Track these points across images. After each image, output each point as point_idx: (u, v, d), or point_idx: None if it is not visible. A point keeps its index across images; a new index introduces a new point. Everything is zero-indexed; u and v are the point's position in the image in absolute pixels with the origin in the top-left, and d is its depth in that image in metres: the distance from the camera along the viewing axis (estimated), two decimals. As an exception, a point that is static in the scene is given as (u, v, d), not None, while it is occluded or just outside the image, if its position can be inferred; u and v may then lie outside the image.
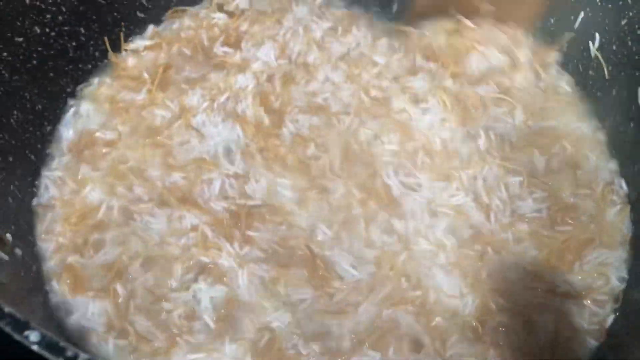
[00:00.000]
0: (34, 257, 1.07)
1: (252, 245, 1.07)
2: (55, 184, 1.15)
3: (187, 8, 1.39)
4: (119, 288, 1.03)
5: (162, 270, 1.05)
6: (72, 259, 1.07)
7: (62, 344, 0.67)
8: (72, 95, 1.27)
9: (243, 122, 1.22)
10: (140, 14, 1.36)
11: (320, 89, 1.27)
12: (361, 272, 1.05)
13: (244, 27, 1.35)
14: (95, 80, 1.30)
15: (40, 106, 1.20)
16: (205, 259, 1.05)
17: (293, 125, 1.22)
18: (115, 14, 1.32)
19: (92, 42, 1.29)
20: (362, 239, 1.09)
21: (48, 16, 1.18)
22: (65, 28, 1.22)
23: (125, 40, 1.33)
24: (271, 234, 1.08)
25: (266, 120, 1.23)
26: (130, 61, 1.32)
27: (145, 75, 1.29)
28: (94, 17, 1.28)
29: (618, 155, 1.21)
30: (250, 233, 1.08)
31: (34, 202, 1.14)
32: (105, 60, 1.32)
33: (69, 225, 1.10)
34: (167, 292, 1.03)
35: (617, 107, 1.21)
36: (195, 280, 1.04)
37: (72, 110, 1.25)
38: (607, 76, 1.23)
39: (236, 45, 1.33)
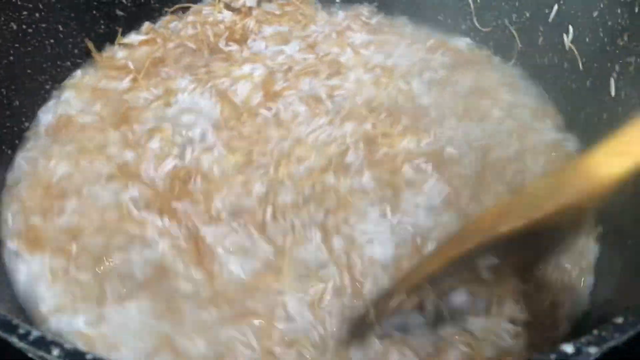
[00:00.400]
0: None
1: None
2: (28, 163, 1.20)
3: (190, 5, 1.43)
4: (73, 248, 1.08)
5: (106, 238, 1.09)
6: (35, 219, 1.12)
7: (15, 321, 0.68)
8: (51, 90, 1.29)
9: (226, 100, 1.24)
10: (119, 12, 1.37)
11: (341, 85, 1.28)
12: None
13: (252, 25, 1.39)
14: (78, 73, 1.33)
15: (17, 102, 1.21)
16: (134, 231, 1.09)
17: (281, 106, 1.24)
18: (94, 12, 1.33)
19: (70, 40, 1.31)
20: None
21: (25, 13, 1.20)
22: (43, 25, 1.24)
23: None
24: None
25: (254, 100, 1.24)
26: (120, 54, 1.35)
27: (131, 65, 1.31)
28: (72, 15, 1.29)
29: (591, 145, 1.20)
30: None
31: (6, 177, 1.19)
32: (85, 58, 1.33)
33: (34, 192, 1.15)
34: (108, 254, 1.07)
35: (591, 99, 1.21)
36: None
37: (53, 98, 1.29)
38: (581, 68, 1.23)
39: (242, 41, 1.36)
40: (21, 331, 0.67)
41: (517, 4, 1.32)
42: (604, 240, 1.12)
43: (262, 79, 1.28)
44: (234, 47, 1.35)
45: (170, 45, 1.35)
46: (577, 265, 1.09)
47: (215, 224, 1.10)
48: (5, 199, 1.16)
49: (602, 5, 1.16)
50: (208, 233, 1.09)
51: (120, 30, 1.37)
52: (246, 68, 1.30)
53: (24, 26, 1.20)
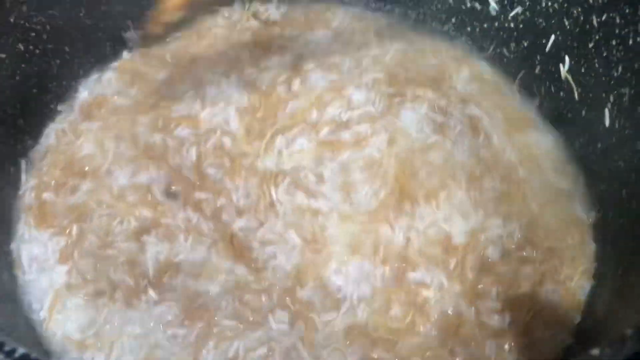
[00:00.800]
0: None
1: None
2: (56, 135, 1.25)
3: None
4: (75, 229, 1.11)
5: (115, 220, 1.12)
6: (47, 195, 1.16)
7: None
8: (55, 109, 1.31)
9: (257, 93, 1.28)
10: (125, 34, 1.39)
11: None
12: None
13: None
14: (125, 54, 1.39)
15: (22, 121, 1.23)
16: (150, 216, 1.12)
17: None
18: (100, 33, 1.36)
19: (76, 60, 1.33)
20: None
21: (32, 34, 1.23)
22: (50, 46, 1.27)
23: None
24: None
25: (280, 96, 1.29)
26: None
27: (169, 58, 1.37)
28: (80, 36, 1.32)
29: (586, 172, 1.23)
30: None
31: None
32: (94, 76, 1.36)
33: (55, 169, 1.20)
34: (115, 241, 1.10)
35: (587, 128, 1.23)
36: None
37: (94, 77, 1.34)
38: (576, 97, 1.25)
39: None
40: (7, 348, 0.69)
41: (515, 33, 1.34)
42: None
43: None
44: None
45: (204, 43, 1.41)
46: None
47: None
48: (28, 171, 1.21)
49: (597, 37, 1.18)
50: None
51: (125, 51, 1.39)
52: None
53: (31, 47, 1.23)
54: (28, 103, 1.24)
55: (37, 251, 1.11)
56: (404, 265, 1.09)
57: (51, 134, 1.26)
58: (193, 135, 1.23)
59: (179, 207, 1.14)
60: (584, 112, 1.24)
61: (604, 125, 1.17)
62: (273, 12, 1.47)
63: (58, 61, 1.30)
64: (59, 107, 1.30)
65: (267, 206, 1.15)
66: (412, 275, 1.08)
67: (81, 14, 1.31)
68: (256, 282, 1.07)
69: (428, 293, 1.07)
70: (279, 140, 1.22)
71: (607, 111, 1.17)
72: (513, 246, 1.12)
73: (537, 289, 1.08)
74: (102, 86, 1.32)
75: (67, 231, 1.12)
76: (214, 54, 1.38)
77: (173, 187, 1.16)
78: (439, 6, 1.44)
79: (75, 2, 1.29)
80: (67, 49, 1.31)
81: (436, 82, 1.33)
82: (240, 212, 1.14)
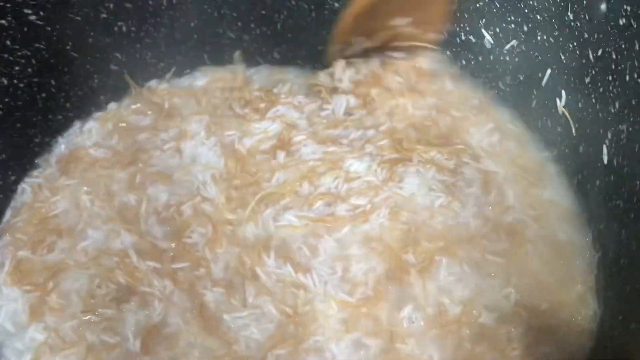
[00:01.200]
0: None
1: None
2: (33, 190, 1.23)
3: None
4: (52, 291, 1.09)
5: (91, 283, 1.09)
6: (23, 253, 1.14)
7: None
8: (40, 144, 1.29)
9: (232, 155, 1.24)
10: (114, 67, 1.37)
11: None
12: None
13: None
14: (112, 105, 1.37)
15: (4, 156, 1.21)
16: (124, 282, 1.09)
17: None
18: (88, 66, 1.33)
19: (62, 94, 1.31)
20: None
21: (17, 68, 1.21)
22: (35, 80, 1.25)
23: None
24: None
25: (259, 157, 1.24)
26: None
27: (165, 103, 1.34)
28: (66, 70, 1.30)
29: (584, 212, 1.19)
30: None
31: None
32: (77, 111, 1.33)
33: (31, 226, 1.17)
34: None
35: (585, 164, 1.19)
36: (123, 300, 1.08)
37: (77, 126, 1.33)
38: (574, 133, 1.21)
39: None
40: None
41: (510, 67, 1.31)
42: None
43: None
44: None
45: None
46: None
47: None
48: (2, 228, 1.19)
49: (594, 72, 1.15)
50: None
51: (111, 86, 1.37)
52: (265, 124, 1.31)
53: (15, 81, 1.21)
54: (11, 137, 1.22)
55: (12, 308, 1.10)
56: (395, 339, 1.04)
57: (27, 189, 1.24)
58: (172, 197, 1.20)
59: (155, 275, 1.10)
60: (581, 149, 1.20)
61: (603, 162, 1.14)
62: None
63: (44, 95, 1.27)
64: (37, 160, 1.28)
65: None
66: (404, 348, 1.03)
67: (68, 47, 1.28)
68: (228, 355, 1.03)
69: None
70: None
71: (605, 148, 1.13)
72: (509, 309, 1.07)
73: (532, 350, 1.03)
74: (82, 137, 1.31)
75: (43, 289, 1.10)
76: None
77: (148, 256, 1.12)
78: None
79: (61, 35, 1.26)
80: (53, 82, 1.28)
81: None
82: (215, 283, 1.09)
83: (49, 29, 1.23)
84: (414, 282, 1.08)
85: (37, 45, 1.23)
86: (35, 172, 1.26)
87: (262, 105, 1.33)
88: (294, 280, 1.07)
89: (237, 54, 1.43)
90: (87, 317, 1.06)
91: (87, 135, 1.31)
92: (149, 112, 1.34)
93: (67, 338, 1.05)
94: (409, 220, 1.15)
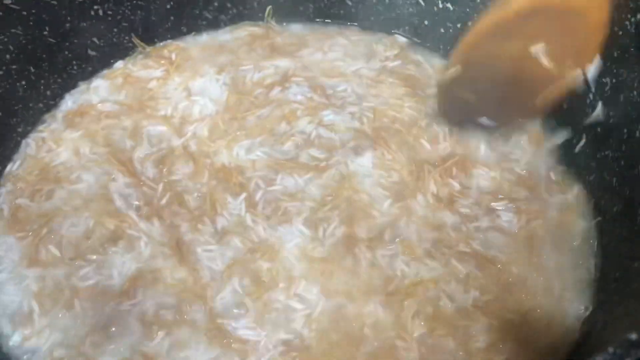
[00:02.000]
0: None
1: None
2: (36, 144, 1.25)
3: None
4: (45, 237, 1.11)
5: (85, 227, 1.12)
6: (21, 200, 1.16)
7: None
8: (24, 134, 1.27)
9: (235, 90, 1.30)
10: (91, 52, 1.34)
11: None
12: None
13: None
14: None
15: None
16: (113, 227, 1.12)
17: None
18: (66, 52, 1.30)
19: (42, 81, 1.28)
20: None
21: (-6, 54, 1.17)
22: (14, 67, 1.21)
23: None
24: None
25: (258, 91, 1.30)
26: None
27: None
28: (44, 56, 1.26)
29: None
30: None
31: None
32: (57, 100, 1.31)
33: (32, 176, 1.20)
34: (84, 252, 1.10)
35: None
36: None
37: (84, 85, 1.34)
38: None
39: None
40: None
41: (490, 30, 1.33)
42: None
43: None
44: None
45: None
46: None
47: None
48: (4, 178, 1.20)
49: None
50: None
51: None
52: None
53: (-6, 67, 1.17)
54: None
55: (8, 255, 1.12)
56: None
57: (31, 143, 1.25)
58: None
59: (141, 217, 1.13)
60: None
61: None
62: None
63: (23, 82, 1.24)
64: (44, 117, 1.29)
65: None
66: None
67: (45, 33, 1.25)
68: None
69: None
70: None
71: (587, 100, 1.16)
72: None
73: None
74: (90, 93, 1.32)
75: (36, 235, 1.12)
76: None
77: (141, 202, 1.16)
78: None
79: (38, 20, 1.23)
80: (32, 69, 1.25)
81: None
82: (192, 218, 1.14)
83: (24, 13, 1.20)
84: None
85: (13, 30, 1.20)
86: (41, 127, 1.28)
87: (291, 49, 1.37)
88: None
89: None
90: (77, 263, 1.08)
91: (95, 93, 1.33)
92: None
93: (57, 286, 1.06)
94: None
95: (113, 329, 1.02)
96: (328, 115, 1.26)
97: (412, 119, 1.27)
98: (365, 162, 1.21)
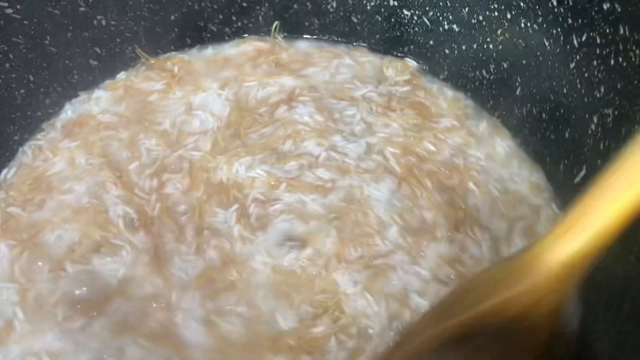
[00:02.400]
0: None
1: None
2: (33, 152, 1.25)
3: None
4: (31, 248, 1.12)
5: (71, 239, 1.12)
6: (13, 209, 1.16)
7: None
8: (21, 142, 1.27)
9: (237, 106, 1.30)
10: (93, 62, 1.34)
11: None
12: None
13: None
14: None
15: (-17, 153, 1.18)
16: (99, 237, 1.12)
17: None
18: (67, 61, 1.30)
19: (42, 90, 1.28)
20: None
21: (-6, 62, 1.17)
22: (13, 75, 1.22)
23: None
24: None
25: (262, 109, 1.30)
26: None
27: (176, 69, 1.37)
28: (44, 65, 1.27)
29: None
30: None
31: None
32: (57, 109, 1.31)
33: (25, 185, 1.19)
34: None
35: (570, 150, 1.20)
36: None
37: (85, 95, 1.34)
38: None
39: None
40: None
41: (494, 54, 1.32)
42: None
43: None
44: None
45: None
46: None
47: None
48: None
49: (578, 57, 1.16)
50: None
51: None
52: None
53: (-7, 74, 1.18)
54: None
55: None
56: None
57: (28, 151, 1.25)
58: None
59: (127, 226, 1.15)
60: (567, 134, 1.21)
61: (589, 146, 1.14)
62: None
63: (22, 91, 1.24)
64: (43, 125, 1.29)
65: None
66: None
67: (46, 42, 1.25)
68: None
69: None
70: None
71: (589, 131, 1.14)
72: None
73: None
74: (91, 103, 1.33)
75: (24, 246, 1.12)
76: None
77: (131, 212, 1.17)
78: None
79: (39, 29, 1.23)
80: (31, 78, 1.25)
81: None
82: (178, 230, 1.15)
83: (26, 22, 1.20)
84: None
85: (14, 39, 1.20)
86: (38, 135, 1.28)
87: (297, 66, 1.37)
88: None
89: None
90: (61, 274, 1.09)
91: (95, 103, 1.33)
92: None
93: (41, 296, 1.07)
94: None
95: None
96: (340, 142, 1.26)
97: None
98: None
